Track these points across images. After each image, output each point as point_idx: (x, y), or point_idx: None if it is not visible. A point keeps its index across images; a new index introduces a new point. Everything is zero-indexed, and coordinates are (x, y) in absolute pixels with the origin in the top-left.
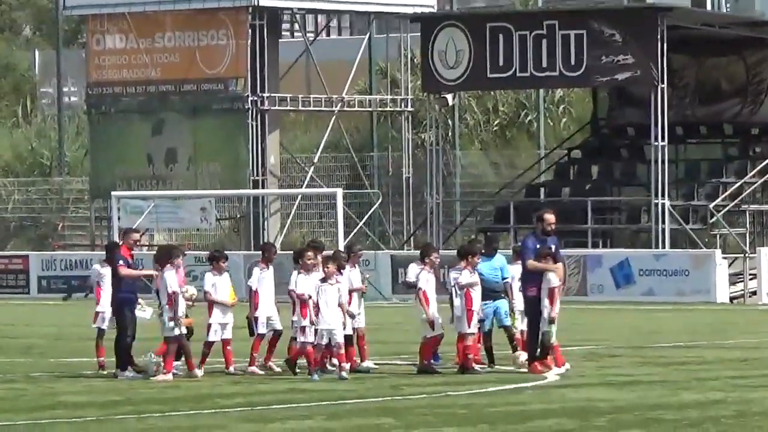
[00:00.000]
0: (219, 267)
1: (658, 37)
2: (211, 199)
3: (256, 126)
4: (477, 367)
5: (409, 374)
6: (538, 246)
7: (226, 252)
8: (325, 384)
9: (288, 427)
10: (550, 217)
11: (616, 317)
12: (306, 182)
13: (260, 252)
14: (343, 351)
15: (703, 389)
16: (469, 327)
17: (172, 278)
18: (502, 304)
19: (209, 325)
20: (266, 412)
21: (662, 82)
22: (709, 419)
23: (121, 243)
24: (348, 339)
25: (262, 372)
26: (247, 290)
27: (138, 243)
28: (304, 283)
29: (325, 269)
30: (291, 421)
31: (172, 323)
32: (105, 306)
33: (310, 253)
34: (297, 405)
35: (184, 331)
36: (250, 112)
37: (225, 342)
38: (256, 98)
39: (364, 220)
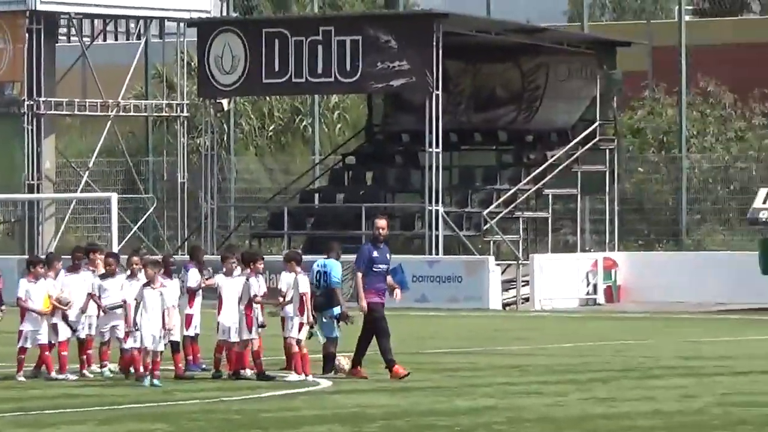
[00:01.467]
0: (36, 273)
1: (434, 43)
2: None
3: (32, 130)
4: (249, 372)
5: (180, 380)
6: (375, 254)
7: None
8: (98, 389)
9: None
10: (379, 222)
11: (390, 323)
12: (81, 187)
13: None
14: (159, 359)
15: (476, 396)
16: (251, 333)
17: None
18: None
19: (20, 332)
20: (40, 417)
21: (437, 89)
22: (481, 425)
23: None
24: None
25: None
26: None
27: None
28: (128, 288)
29: (147, 274)
30: (64, 426)
31: None
32: None
33: (136, 258)
34: (70, 410)
35: None
36: (26, 116)
37: (42, 347)
38: (32, 102)
39: (138, 225)
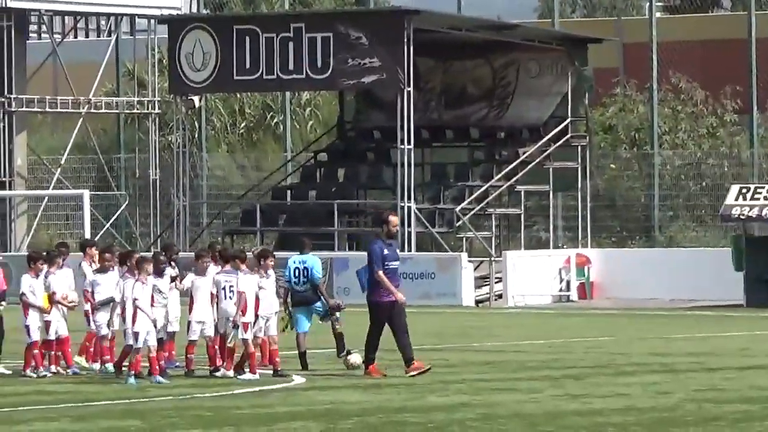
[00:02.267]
0: (37, 269)
1: (405, 40)
2: None
3: (4, 127)
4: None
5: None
6: (385, 251)
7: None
8: (71, 386)
9: (34, 428)
10: (394, 219)
11: (363, 320)
12: (53, 184)
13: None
14: (154, 354)
15: (449, 392)
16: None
17: None
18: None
19: (27, 327)
20: (13, 414)
21: (408, 86)
22: (455, 422)
23: None
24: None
25: None
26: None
27: None
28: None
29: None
30: (37, 422)
31: None
32: None
33: (108, 255)
34: (43, 407)
35: None
36: None
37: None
38: (3, 99)
39: (111, 222)
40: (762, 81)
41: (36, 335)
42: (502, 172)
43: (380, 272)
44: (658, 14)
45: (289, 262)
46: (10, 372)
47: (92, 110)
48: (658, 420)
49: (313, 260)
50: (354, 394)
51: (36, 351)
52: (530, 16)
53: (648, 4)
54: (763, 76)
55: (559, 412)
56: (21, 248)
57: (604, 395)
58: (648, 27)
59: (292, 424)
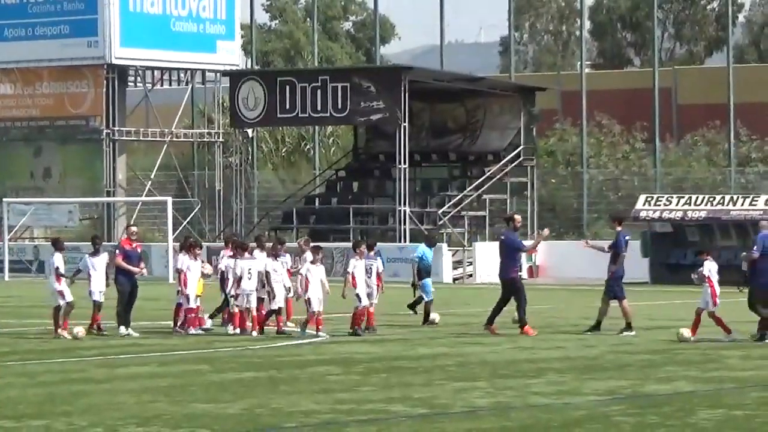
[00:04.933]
0: (194, 253)
1: (402, 88)
2: (76, 205)
3: (109, 151)
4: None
5: (222, 334)
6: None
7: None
8: (158, 339)
9: (131, 371)
10: (518, 218)
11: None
12: (145, 192)
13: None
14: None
15: (433, 345)
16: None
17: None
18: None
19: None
20: (116, 360)
21: (404, 122)
22: (437, 367)
23: (122, 237)
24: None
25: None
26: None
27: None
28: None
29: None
30: (133, 366)
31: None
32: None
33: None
34: (136, 355)
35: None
36: (104, 141)
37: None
38: (109, 131)
39: (187, 221)
40: (662, 118)
41: (193, 303)
42: (473, 185)
43: (525, 246)
44: (587, 70)
45: (417, 249)
46: (138, 335)
47: (174, 139)
48: (586, 366)
49: (429, 251)
50: (364, 346)
51: (192, 315)
52: (494, 71)
53: (579, 62)
54: (663, 115)
55: (514, 360)
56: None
57: (547, 348)
58: (579, 79)
59: (319, 368)
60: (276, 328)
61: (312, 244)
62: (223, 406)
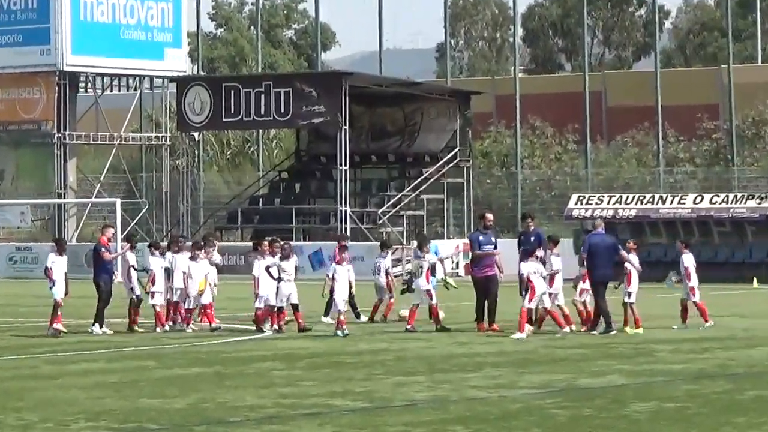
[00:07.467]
0: (194, 255)
1: (342, 93)
2: (28, 206)
3: (60, 155)
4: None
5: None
6: (481, 237)
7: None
8: (107, 337)
9: (81, 367)
10: (489, 216)
11: (311, 291)
12: (95, 194)
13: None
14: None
15: (374, 341)
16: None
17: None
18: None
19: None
20: (66, 357)
21: (345, 125)
22: (377, 362)
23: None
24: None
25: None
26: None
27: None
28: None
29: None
30: (84, 363)
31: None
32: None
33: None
34: (88, 351)
35: None
36: (56, 145)
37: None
38: (60, 135)
39: (135, 221)
40: (593, 121)
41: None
42: (411, 186)
43: (476, 252)
44: (520, 74)
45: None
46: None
47: (123, 143)
48: (522, 360)
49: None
50: (306, 342)
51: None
52: (431, 76)
53: (513, 67)
54: (594, 117)
55: (451, 355)
56: (71, 241)
57: (483, 343)
58: (513, 84)
59: (263, 364)
60: (276, 325)
61: (340, 244)
62: (170, 401)
